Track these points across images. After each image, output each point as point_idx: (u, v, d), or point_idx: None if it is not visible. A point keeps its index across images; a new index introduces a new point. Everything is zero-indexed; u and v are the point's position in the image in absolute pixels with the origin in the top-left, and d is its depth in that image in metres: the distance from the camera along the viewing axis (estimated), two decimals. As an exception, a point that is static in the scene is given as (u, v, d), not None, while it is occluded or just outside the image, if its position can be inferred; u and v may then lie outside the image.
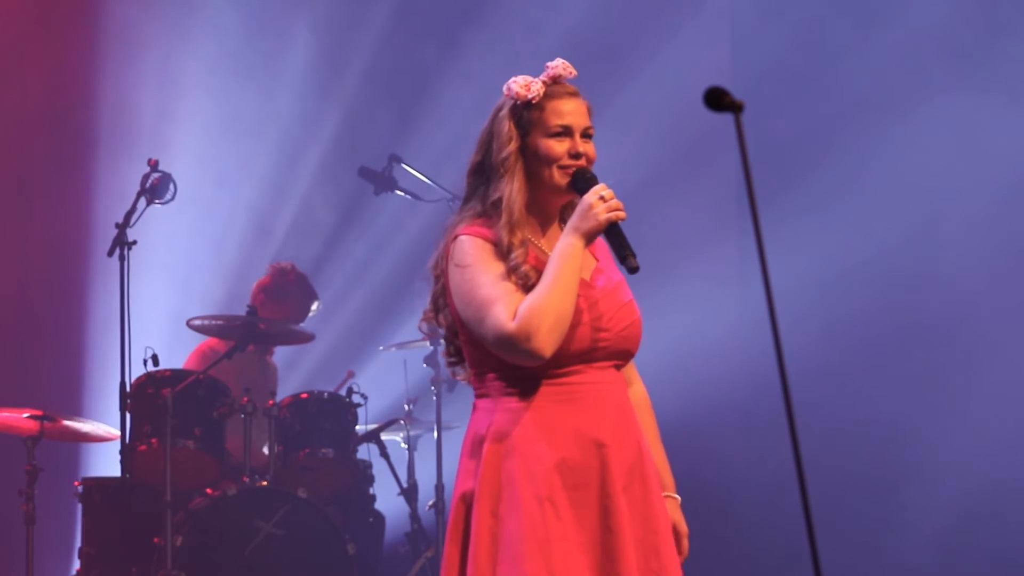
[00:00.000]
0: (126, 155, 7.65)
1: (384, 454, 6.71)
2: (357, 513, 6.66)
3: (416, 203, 7.15)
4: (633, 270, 3.19)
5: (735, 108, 2.33)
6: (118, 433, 6.27)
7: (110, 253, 6.38)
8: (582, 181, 3.23)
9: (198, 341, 6.98)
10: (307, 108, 8.32)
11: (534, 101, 3.25)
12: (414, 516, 6.77)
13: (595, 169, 3.28)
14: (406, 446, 7.29)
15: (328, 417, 6.54)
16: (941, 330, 7.21)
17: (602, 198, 3.17)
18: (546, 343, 3.10)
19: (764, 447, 7.30)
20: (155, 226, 6.83)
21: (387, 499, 6.87)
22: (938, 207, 7.20)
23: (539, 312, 3.10)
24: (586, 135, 3.27)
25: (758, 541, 7.51)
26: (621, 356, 3.30)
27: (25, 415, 6.19)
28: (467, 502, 3.21)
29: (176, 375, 6.26)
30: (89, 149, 7.90)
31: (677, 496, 3.43)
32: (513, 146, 3.24)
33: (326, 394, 6.65)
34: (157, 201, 6.40)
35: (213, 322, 6.63)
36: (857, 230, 7.32)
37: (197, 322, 6.59)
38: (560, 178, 3.25)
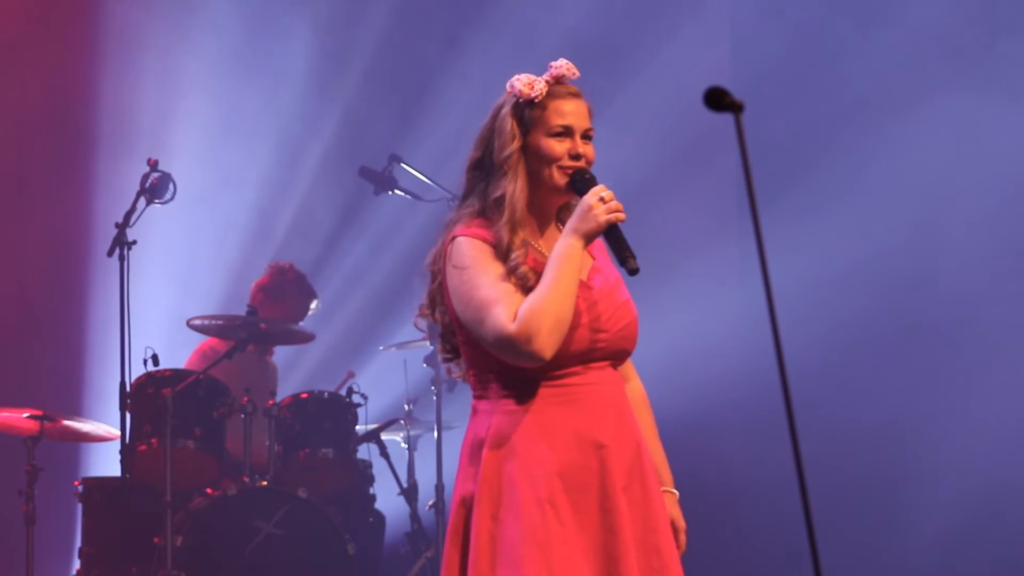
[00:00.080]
0: (126, 155, 7.65)
1: (384, 454, 6.71)
2: (357, 513, 6.66)
3: (416, 203, 7.15)
4: (633, 272, 3.19)
5: (735, 108, 2.32)
6: (118, 433, 6.27)
7: (110, 253, 6.38)
8: (581, 182, 3.23)
9: (198, 341, 6.99)
10: (307, 108, 8.32)
11: (537, 100, 3.25)
12: (414, 516, 6.77)
13: (595, 168, 3.28)
14: (406, 446, 7.29)
15: (328, 417, 6.54)
16: (941, 330, 7.21)
17: (602, 199, 3.17)
18: (546, 345, 3.10)
19: (764, 447, 7.30)
20: (155, 226, 6.83)
21: (387, 499, 6.87)
22: (938, 207, 7.20)
23: (539, 314, 3.09)
24: (586, 136, 3.27)
25: (758, 541, 7.51)
26: (618, 355, 3.30)
27: (25, 415, 6.19)
28: (467, 505, 3.21)
29: (176, 375, 6.26)
30: (89, 149, 7.90)
31: (675, 491, 3.44)
32: (516, 144, 3.24)
33: (326, 394, 6.65)
34: (157, 201, 6.40)
35: (213, 322, 6.63)
36: (857, 230, 7.32)
37: (197, 322, 6.59)
38: (559, 178, 3.25)
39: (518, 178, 3.23)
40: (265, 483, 6.23)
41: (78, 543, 6.25)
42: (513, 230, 3.20)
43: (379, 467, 6.75)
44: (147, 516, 6.06)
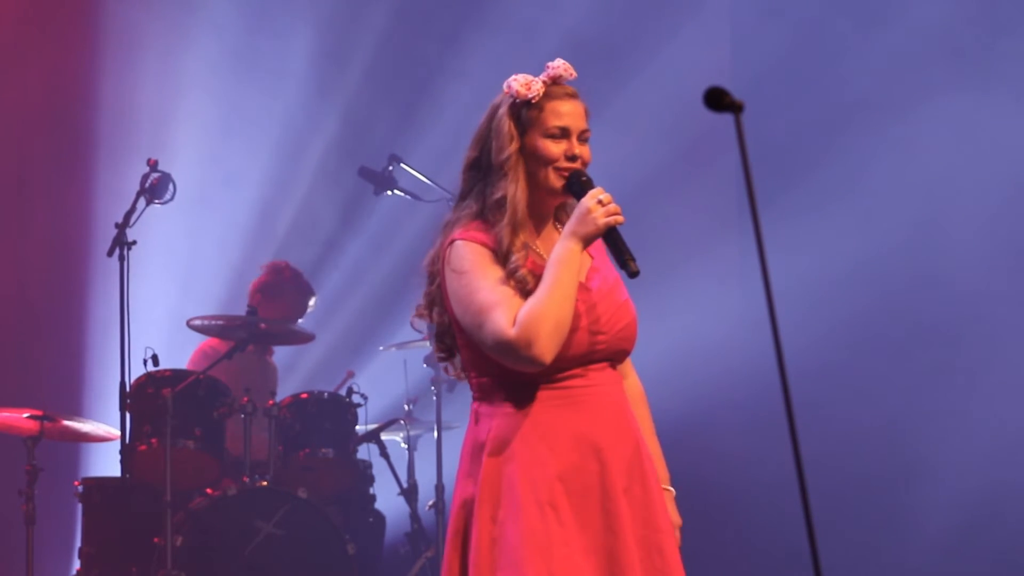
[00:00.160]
0: (126, 155, 7.65)
1: (384, 454, 6.71)
2: (357, 513, 6.66)
3: (416, 203, 7.15)
4: (633, 275, 3.19)
5: (735, 108, 2.32)
6: (118, 433, 6.27)
7: (110, 253, 6.38)
8: (577, 184, 3.22)
9: (198, 341, 6.99)
10: (307, 108, 8.32)
11: (534, 101, 3.24)
12: (414, 516, 6.77)
13: (595, 168, 3.28)
14: (406, 446, 7.29)
15: (328, 417, 6.54)
16: (942, 330, 7.21)
17: (600, 202, 3.16)
18: (546, 349, 3.10)
19: (764, 447, 7.29)
20: (155, 226, 6.83)
21: (387, 499, 6.87)
22: (938, 207, 7.20)
23: (539, 318, 3.09)
24: (583, 138, 3.26)
25: (758, 541, 7.51)
26: (618, 356, 3.30)
27: (25, 415, 6.19)
28: (467, 508, 3.20)
29: (176, 375, 6.26)
30: (89, 149, 7.90)
31: (671, 488, 3.43)
32: (514, 146, 3.23)
33: (326, 394, 6.65)
34: (157, 201, 6.40)
35: (213, 322, 6.63)
36: (857, 230, 7.31)
37: (197, 322, 6.59)
38: (555, 180, 3.24)
39: (518, 180, 3.22)
40: (265, 483, 6.23)
41: (78, 543, 6.25)
42: (514, 232, 3.19)
43: (379, 467, 6.75)
44: (147, 516, 6.06)
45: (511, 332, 3.09)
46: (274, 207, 8.27)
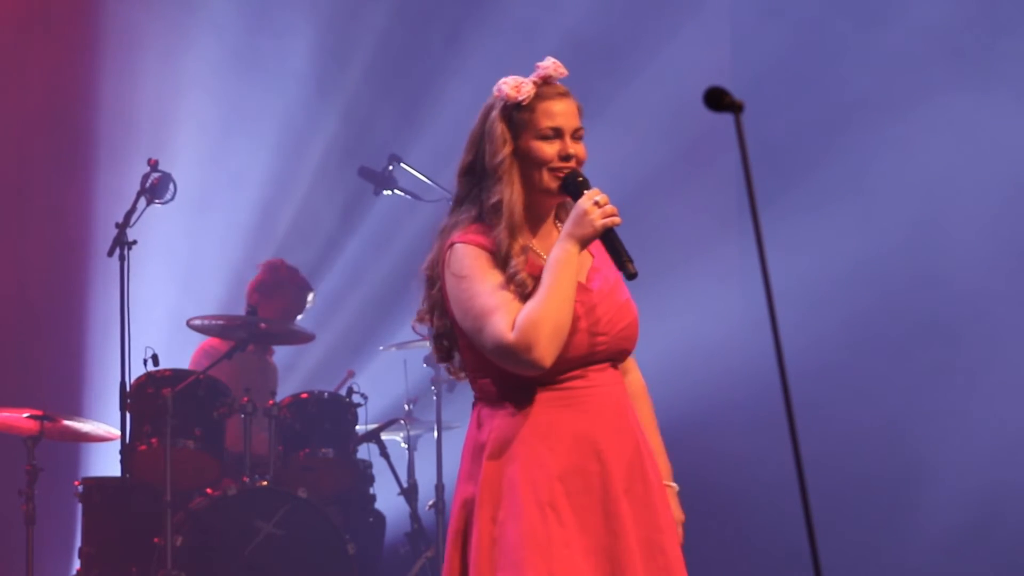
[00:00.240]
0: (126, 155, 7.65)
1: (384, 454, 6.71)
2: (357, 513, 6.66)
3: (416, 203, 7.14)
4: (631, 276, 3.19)
5: (735, 108, 2.32)
6: (118, 433, 6.26)
7: (110, 253, 6.38)
8: (573, 184, 3.21)
9: (198, 341, 6.99)
10: (307, 108, 8.32)
11: (524, 103, 3.23)
12: (414, 516, 6.77)
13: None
14: (406, 446, 7.29)
15: (328, 417, 6.54)
16: (942, 330, 7.21)
17: (596, 203, 3.15)
18: (546, 353, 3.10)
19: (765, 447, 7.29)
20: (155, 226, 6.83)
21: (387, 499, 6.87)
22: (939, 207, 7.20)
23: (537, 322, 3.08)
24: (576, 136, 3.25)
25: (758, 541, 7.51)
26: (619, 356, 3.30)
27: (25, 415, 6.19)
28: (468, 508, 3.21)
29: (176, 375, 6.25)
30: (89, 149, 7.90)
31: (674, 485, 3.43)
32: (508, 149, 3.21)
33: (326, 394, 6.65)
34: (157, 201, 6.40)
35: (213, 322, 6.63)
36: (857, 230, 7.31)
37: (197, 322, 6.59)
38: (550, 181, 3.23)
39: (513, 183, 3.21)
40: (265, 483, 6.22)
41: (78, 543, 6.25)
42: (512, 235, 3.19)
43: (379, 467, 6.75)
44: (147, 516, 6.05)
45: (510, 337, 3.09)
46: (274, 207, 8.27)
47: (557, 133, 3.23)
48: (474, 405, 3.30)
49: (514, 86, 3.23)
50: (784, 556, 6.78)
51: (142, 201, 6.37)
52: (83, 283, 7.73)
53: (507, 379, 3.19)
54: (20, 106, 7.79)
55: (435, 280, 3.28)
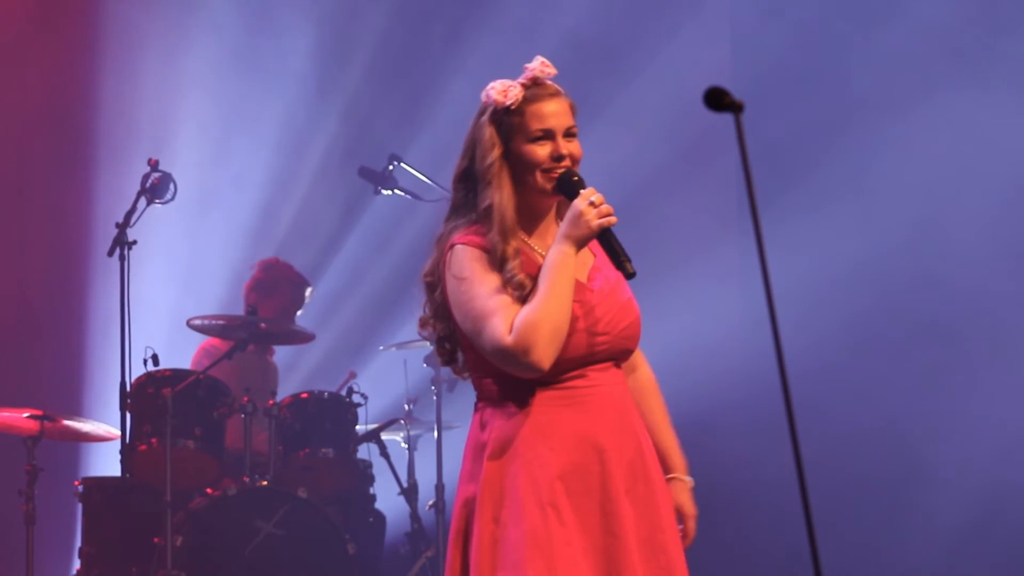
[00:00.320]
0: (126, 155, 7.66)
1: (384, 454, 6.71)
2: (357, 513, 6.66)
3: (416, 203, 7.14)
4: (630, 276, 3.18)
5: (735, 108, 2.32)
6: (118, 433, 6.27)
7: (110, 253, 6.38)
8: (568, 184, 3.20)
9: (198, 341, 6.99)
10: (307, 107, 8.32)
11: (512, 107, 3.22)
12: (414, 516, 6.77)
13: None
14: (406, 446, 7.29)
15: (328, 417, 6.54)
16: (943, 330, 7.21)
17: (592, 204, 3.14)
18: (544, 355, 3.09)
19: (765, 447, 7.28)
20: (155, 226, 6.83)
21: (387, 499, 6.87)
22: (939, 207, 7.19)
23: (535, 325, 3.08)
24: (569, 134, 3.23)
25: (758, 541, 7.50)
26: (621, 355, 3.29)
27: (25, 415, 6.19)
28: (469, 508, 3.20)
29: (176, 375, 6.25)
30: (89, 149, 7.90)
31: (688, 479, 3.43)
32: (496, 153, 3.20)
33: (326, 394, 6.65)
34: (157, 201, 6.40)
35: (213, 322, 6.64)
36: (858, 230, 7.31)
37: (197, 322, 6.59)
38: (544, 183, 3.21)
39: (503, 187, 3.20)
40: (265, 483, 6.23)
41: (78, 543, 6.25)
42: (505, 239, 3.17)
43: (379, 467, 6.75)
44: (147, 516, 6.06)
45: (508, 340, 3.09)
46: (274, 207, 8.27)
47: (548, 135, 3.21)
48: (476, 406, 3.30)
49: (501, 91, 3.22)
50: (784, 556, 6.77)
51: (142, 201, 6.37)
52: (83, 283, 7.74)
53: (509, 379, 3.19)
54: (20, 106, 7.79)
55: (436, 285, 3.27)
